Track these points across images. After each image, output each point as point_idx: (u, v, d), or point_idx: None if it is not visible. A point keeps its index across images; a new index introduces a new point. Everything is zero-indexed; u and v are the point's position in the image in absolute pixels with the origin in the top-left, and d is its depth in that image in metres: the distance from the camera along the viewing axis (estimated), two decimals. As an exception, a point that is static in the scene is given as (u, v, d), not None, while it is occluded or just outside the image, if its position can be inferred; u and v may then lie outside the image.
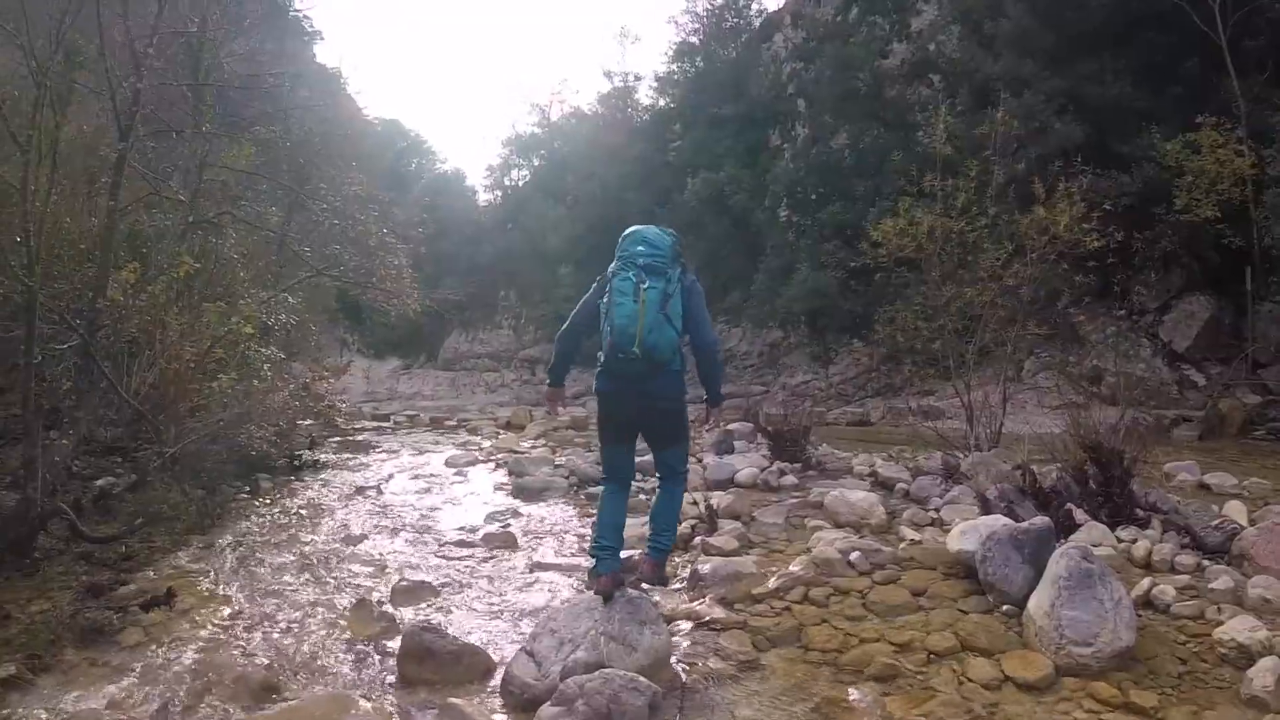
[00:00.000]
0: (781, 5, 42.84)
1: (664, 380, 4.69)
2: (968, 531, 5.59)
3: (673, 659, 4.50)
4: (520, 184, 57.09)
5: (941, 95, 26.75)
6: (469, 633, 5.05)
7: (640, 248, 4.64)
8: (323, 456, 12.95)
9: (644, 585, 5.04)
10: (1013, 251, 11.81)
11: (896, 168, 22.62)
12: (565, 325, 5.16)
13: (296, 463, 11.61)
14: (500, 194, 58.69)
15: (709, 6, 45.67)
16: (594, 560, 4.84)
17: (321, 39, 53.92)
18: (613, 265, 4.72)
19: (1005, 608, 4.87)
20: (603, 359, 4.70)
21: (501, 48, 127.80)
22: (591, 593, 4.76)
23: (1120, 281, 20.33)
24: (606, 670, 3.87)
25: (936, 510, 7.50)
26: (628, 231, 4.84)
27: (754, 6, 45.35)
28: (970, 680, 4.16)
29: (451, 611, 5.56)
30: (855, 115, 30.69)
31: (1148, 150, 19.25)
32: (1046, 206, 11.38)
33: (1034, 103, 21.81)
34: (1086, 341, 20.57)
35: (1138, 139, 19.79)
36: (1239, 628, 4.28)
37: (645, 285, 4.49)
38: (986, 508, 6.62)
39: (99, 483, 8.07)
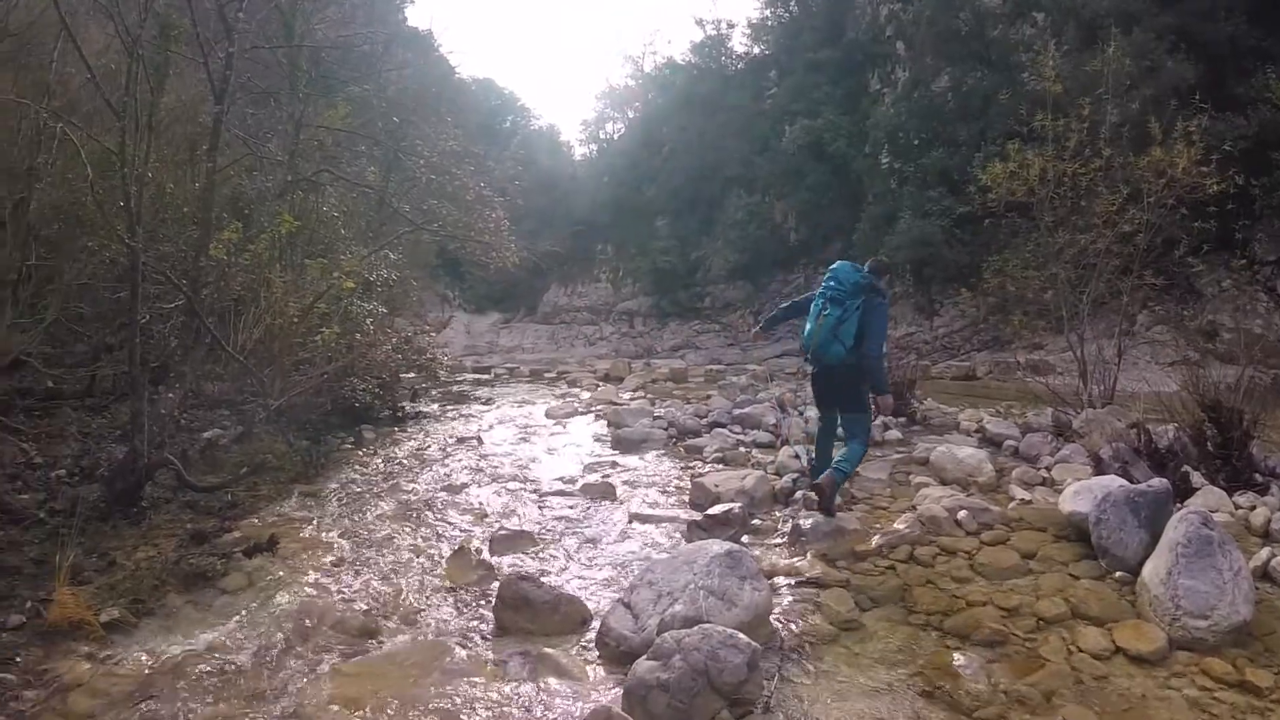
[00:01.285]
0: (880, -56, 41.35)
1: (840, 369, 6.06)
2: (1080, 492, 5.35)
3: (772, 616, 4.37)
4: (615, 137, 56.70)
5: (1047, 33, 25.53)
6: (566, 582, 5.01)
7: (831, 282, 6.09)
8: (425, 408, 13.14)
9: (812, 504, 6.16)
10: (1128, 196, 11.21)
11: (1004, 110, 21.70)
12: (787, 304, 7.06)
13: (399, 414, 11.78)
14: (595, 148, 58.36)
15: (804, -52, 44.32)
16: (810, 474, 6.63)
17: (412, 2, 54.28)
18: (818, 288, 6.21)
19: (1118, 574, 4.63)
20: None
21: (591, 1, 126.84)
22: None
23: (1241, 230, 19.21)
24: (705, 626, 3.74)
25: (1047, 469, 7.17)
26: (830, 266, 6.30)
27: (851, -54, 43.78)
28: (1080, 650, 3.96)
29: (549, 561, 5.52)
30: (957, 56, 29.60)
31: (1263, 91, 18.16)
32: (1163, 148, 10.78)
33: (1144, 40, 20.67)
34: (1203, 295, 19.57)
35: (1253, 79, 18.71)
36: (1361, 605, 3.96)
37: (825, 312, 6.02)
38: (1100, 468, 6.35)
39: (206, 435, 8.31)
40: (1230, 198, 12.16)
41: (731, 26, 50.71)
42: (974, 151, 23.82)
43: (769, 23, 45.93)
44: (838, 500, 6.08)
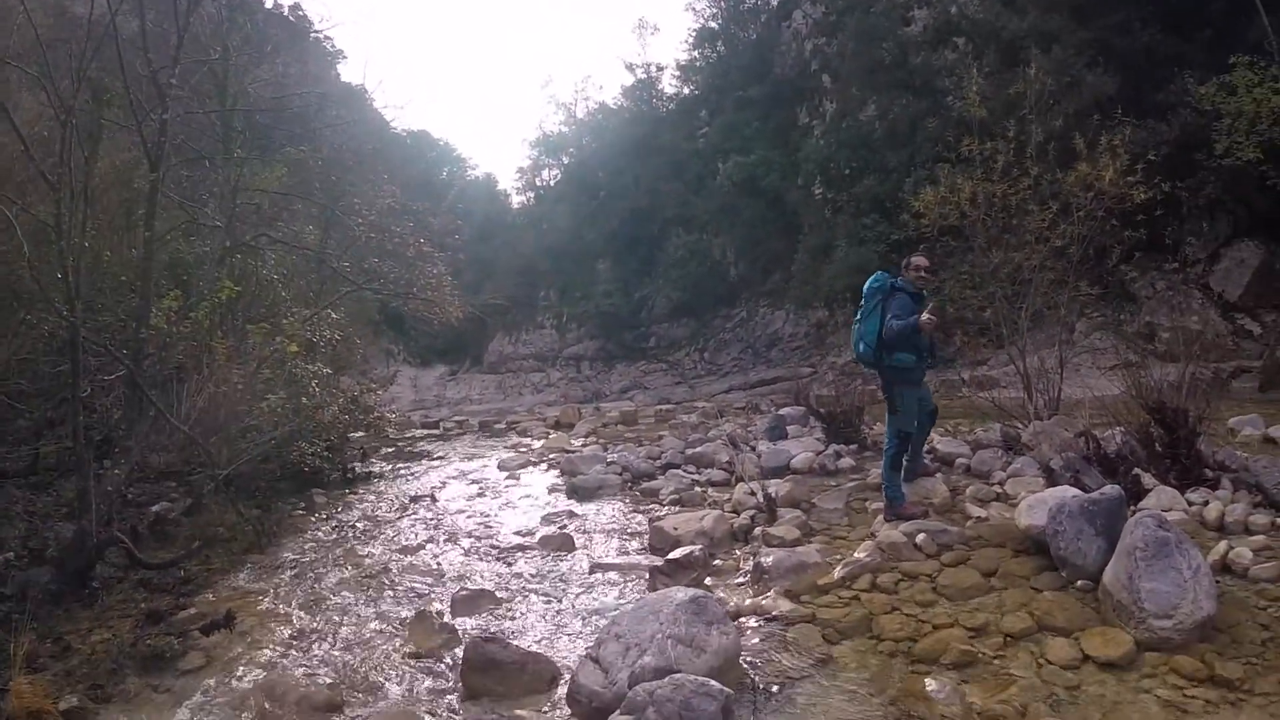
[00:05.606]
0: (800, -19, 42.40)
1: (879, 372, 6.75)
2: (1035, 505, 5.38)
3: (742, 658, 4.37)
4: (552, 183, 57.09)
5: (968, 57, 26.23)
6: (532, 641, 4.97)
7: (864, 297, 6.73)
8: (375, 467, 12.99)
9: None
10: (1058, 211, 11.49)
11: (930, 135, 22.14)
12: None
13: (350, 475, 11.64)
14: (532, 195, 58.72)
15: (726, -11, 45.31)
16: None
17: (344, 59, 54.30)
18: None
19: (1080, 582, 4.68)
20: None
21: (522, 50, 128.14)
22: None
23: (1170, 233, 19.83)
24: (676, 675, 3.72)
25: (1000, 484, 7.22)
26: None
27: (772, -15, 44.88)
28: (1049, 662, 4.01)
29: (513, 619, 5.48)
30: (882, 85, 30.30)
31: (1182, 96, 18.74)
32: (1089, 162, 11.08)
33: (1064, 57, 21.40)
34: (1138, 298, 20.11)
35: (1171, 86, 19.36)
36: (1322, 586, 4.07)
37: (856, 319, 6.83)
38: (1052, 479, 6.41)
39: (154, 508, 8.14)
40: (1158, 203, 12.52)
41: (661, 69, 51.71)
42: (904, 177, 24.32)
43: (697, 63, 46.86)
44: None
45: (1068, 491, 5.42)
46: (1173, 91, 19.24)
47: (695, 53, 47.20)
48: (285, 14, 39.46)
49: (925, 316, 6.20)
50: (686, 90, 48.58)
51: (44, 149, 7.72)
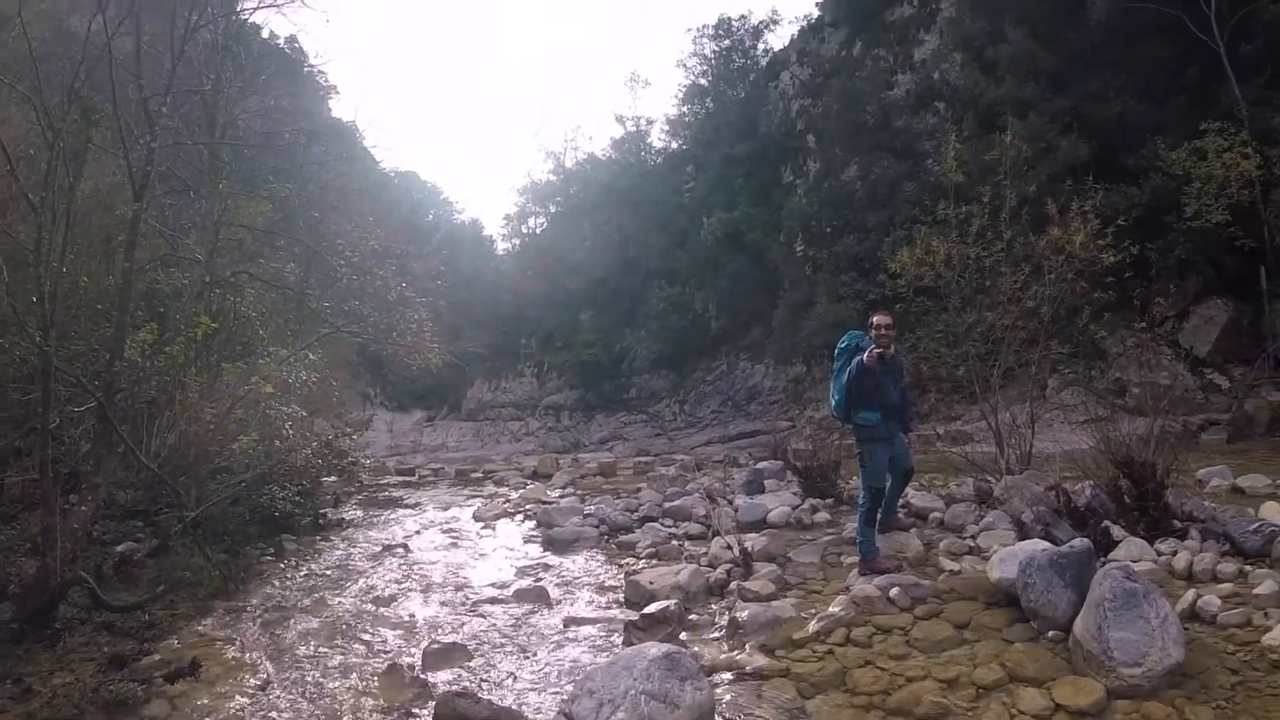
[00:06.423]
0: (787, 44, 43.24)
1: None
2: (1007, 559, 5.42)
3: (716, 713, 4.32)
4: (538, 231, 57.38)
5: (948, 122, 26.72)
6: (504, 696, 4.87)
7: (835, 356, 6.91)
8: (348, 514, 12.83)
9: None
10: (1030, 273, 11.68)
11: (909, 197, 22.44)
12: None
13: (321, 522, 11.47)
14: (518, 242, 58.86)
15: (716, 49, 46.06)
16: None
17: (337, 94, 54.61)
18: None
19: (1051, 634, 4.72)
20: None
21: (515, 97, 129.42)
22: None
23: (1139, 294, 20.19)
24: (651, 732, 3.65)
25: (973, 538, 7.23)
26: None
27: (760, 46, 45.72)
28: (1021, 712, 4.03)
29: (485, 673, 5.36)
30: (864, 147, 30.78)
31: (1154, 161, 19.23)
32: (1060, 226, 11.28)
33: (1039, 124, 21.82)
34: (1108, 355, 20.36)
35: (1144, 151, 19.79)
36: (1288, 631, 4.12)
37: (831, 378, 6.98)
38: (1023, 532, 6.50)
39: (120, 548, 7.96)
40: (1128, 265, 12.74)
41: (650, 123, 52.22)
42: (883, 237, 24.57)
43: (686, 119, 47.44)
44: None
45: (1038, 545, 5.47)
46: (1145, 156, 19.65)
47: (684, 108, 47.84)
48: (281, 45, 39.63)
49: (868, 352, 6.27)
50: (674, 145, 49.17)
51: (28, 167, 7.64)
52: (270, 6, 14.07)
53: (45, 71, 7.82)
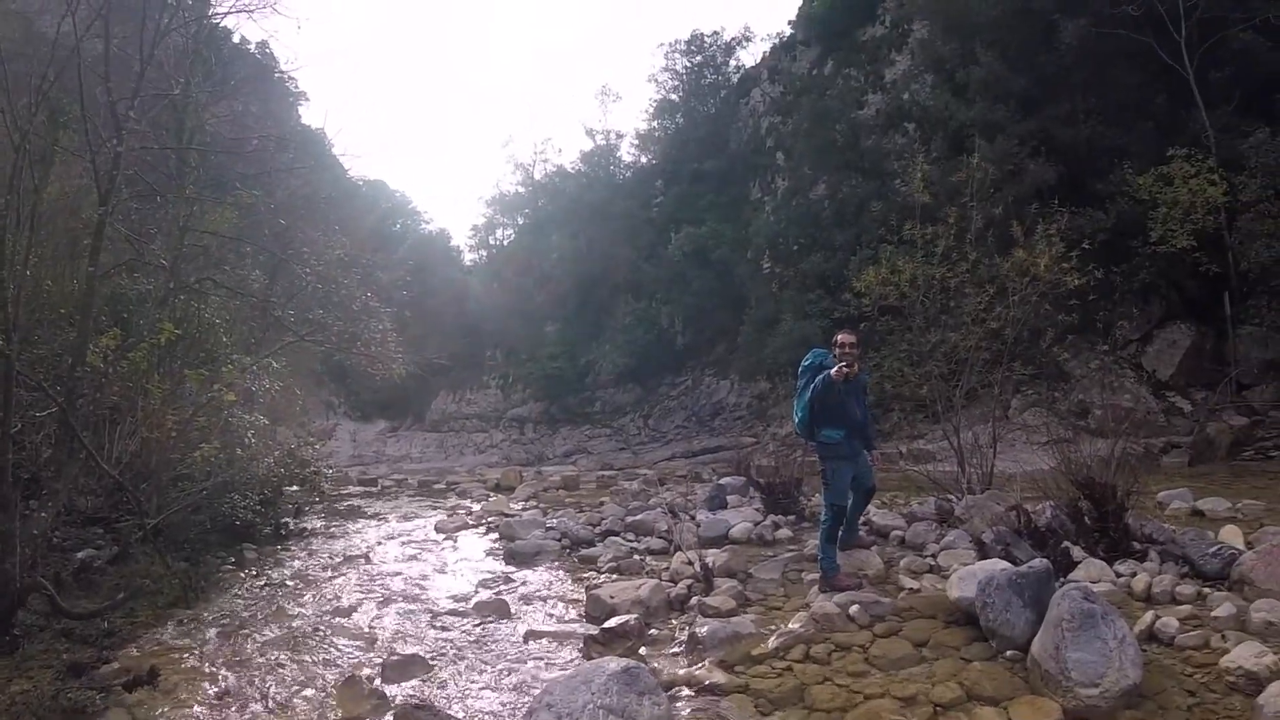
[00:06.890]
0: (759, 61, 43.71)
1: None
2: (966, 578, 5.50)
3: (675, 729, 4.33)
4: (505, 243, 57.36)
5: (917, 143, 26.96)
6: (463, 709, 4.89)
7: (799, 374, 6.99)
8: (309, 524, 12.75)
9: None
10: (994, 294, 11.83)
11: (876, 217, 22.70)
12: None
13: (282, 531, 11.39)
14: (485, 253, 58.94)
15: (688, 64, 46.46)
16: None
17: (306, 101, 54.13)
18: None
19: (1009, 653, 4.79)
20: None
21: (486, 108, 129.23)
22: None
23: (1102, 317, 20.49)
24: (607, 747, 3.70)
25: (934, 556, 7.35)
26: None
27: (732, 63, 46.24)
28: None
29: (445, 686, 5.38)
30: (833, 166, 31.08)
31: (1121, 185, 19.60)
32: (1026, 248, 11.45)
33: (1008, 147, 22.15)
34: (1071, 376, 20.63)
35: (1111, 175, 20.15)
36: (1245, 654, 4.22)
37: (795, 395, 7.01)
38: (983, 551, 6.56)
39: (80, 555, 7.89)
40: (1091, 288, 12.95)
41: (620, 137, 52.49)
42: (850, 255, 24.79)
43: (656, 133, 47.74)
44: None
45: (998, 564, 5.53)
46: (1112, 181, 19.99)
47: (655, 123, 48.18)
48: (252, 50, 39.28)
49: (834, 370, 6.35)
50: (644, 159, 49.45)
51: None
52: (242, 11, 13.97)
53: (13, 72, 7.75)
